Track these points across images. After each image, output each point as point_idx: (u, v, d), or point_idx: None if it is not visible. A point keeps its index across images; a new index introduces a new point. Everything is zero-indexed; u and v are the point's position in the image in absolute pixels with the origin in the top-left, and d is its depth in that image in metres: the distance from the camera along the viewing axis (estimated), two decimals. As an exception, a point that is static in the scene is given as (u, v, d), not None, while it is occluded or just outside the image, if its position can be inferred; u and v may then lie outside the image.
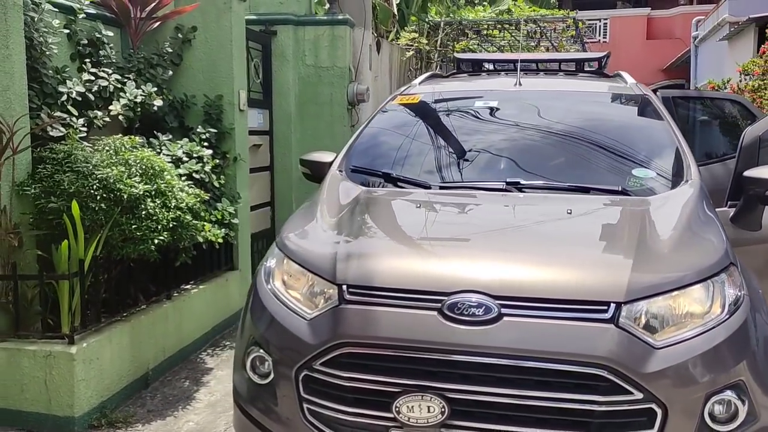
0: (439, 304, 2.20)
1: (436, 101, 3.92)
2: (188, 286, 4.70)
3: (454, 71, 4.80)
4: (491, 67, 4.72)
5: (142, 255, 3.83)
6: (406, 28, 9.78)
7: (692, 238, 2.53)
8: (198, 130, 4.95)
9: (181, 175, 4.26)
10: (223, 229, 4.61)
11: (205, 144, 4.88)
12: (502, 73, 4.47)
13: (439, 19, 9.62)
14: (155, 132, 4.62)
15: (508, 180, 3.05)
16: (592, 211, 2.83)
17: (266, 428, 2.47)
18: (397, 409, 2.16)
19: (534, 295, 2.19)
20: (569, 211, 2.73)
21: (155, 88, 4.56)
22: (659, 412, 2.07)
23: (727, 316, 2.24)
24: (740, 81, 8.26)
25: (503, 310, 2.15)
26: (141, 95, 4.44)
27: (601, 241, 2.59)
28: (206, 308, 4.85)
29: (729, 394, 2.16)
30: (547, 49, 9.70)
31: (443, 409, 2.13)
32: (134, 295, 4.10)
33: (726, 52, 11.80)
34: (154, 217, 3.79)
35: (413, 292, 2.26)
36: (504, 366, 2.12)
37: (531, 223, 2.76)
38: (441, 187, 3.13)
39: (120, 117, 4.31)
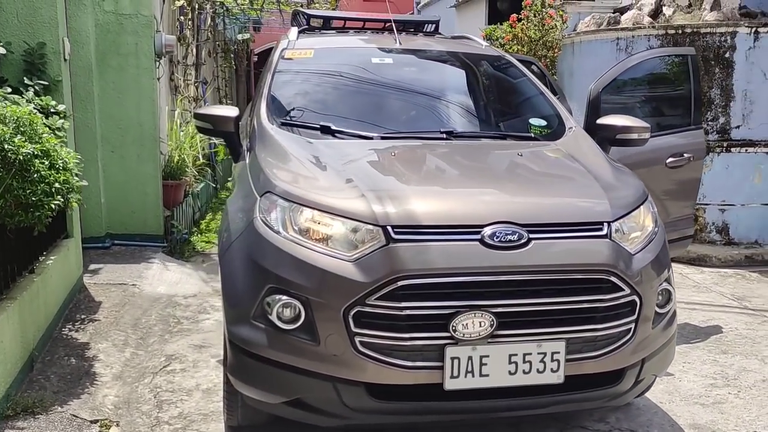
0: (479, 235, 2.57)
1: (332, 56, 4.11)
2: (43, 258, 4.21)
3: (306, 27, 4.90)
4: (341, 24, 4.94)
5: (33, 223, 3.41)
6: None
7: (618, 172, 3.23)
8: (26, 81, 4.37)
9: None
10: (71, 195, 4.22)
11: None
12: (368, 31, 4.77)
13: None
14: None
15: (443, 129, 3.45)
16: (531, 153, 3.39)
17: (304, 369, 2.58)
18: (454, 327, 2.49)
19: (552, 221, 2.68)
20: (520, 154, 3.26)
21: (-8, 33, 3.94)
22: (638, 302, 2.72)
23: (658, 228, 2.98)
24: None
25: (531, 236, 2.60)
26: (-24, 40, 3.81)
27: (566, 176, 3.15)
28: (59, 280, 4.40)
29: (666, 285, 2.92)
30: (308, 5, 10.03)
31: (492, 322, 2.51)
32: (10, 269, 3.61)
33: (455, 17, 13.43)
34: (46, 180, 3.40)
35: (455, 227, 2.59)
36: (537, 280, 2.59)
37: (507, 164, 3.23)
38: (382, 138, 3.39)
39: (-42, 65, 3.67)
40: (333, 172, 2.92)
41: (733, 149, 6.68)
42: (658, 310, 2.88)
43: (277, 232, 2.70)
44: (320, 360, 2.56)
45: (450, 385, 2.54)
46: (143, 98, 6.17)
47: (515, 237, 2.59)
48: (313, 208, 2.69)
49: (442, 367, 2.52)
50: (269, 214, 2.77)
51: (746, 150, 6.68)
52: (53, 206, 3.41)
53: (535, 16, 7.64)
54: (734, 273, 6.25)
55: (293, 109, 3.65)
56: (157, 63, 6.28)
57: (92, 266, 5.59)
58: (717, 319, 4.96)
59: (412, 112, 3.73)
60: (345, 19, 4.98)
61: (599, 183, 2.98)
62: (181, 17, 8.89)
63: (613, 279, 2.65)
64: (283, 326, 2.60)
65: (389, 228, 2.56)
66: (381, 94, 3.83)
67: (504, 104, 3.99)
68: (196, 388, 3.64)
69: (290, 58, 4.01)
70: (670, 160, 4.48)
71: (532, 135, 3.61)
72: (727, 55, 6.59)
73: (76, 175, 4.33)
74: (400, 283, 2.48)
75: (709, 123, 6.71)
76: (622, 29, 7.01)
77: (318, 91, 3.82)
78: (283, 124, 3.48)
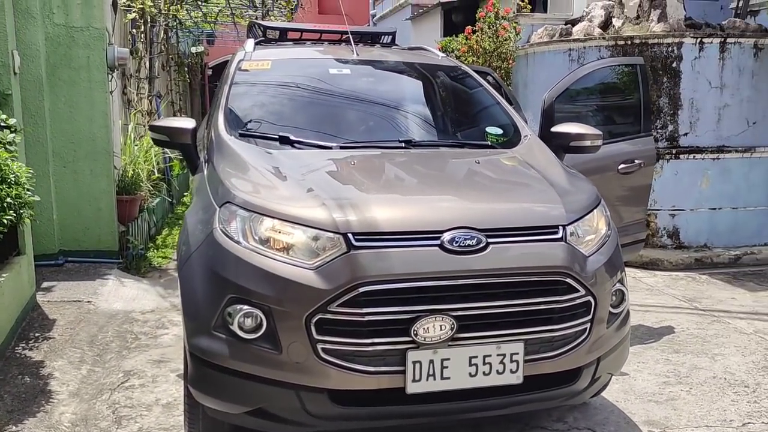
0: (438, 240, 2.60)
1: (289, 67, 4.12)
2: (-6, 275, 4.11)
3: (262, 39, 4.90)
4: (298, 36, 4.95)
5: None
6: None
7: (572, 178, 3.31)
8: (-26, 95, 4.29)
9: (-5, 147, 3.73)
10: (23, 210, 4.14)
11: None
12: (325, 42, 4.79)
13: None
14: None
15: (401, 139, 3.49)
16: (488, 161, 3.45)
17: (266, 378, 2.57)
18: (415, 332, 2.51)
19: (510, 225, 2.73)
20: (478, 161, 3.32)
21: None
22: (593, 303, 2.79)
23: (611, 231, 3.07)
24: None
25: (489, 240, 2.65)
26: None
27: (522, 182, 3.22)
28: (11, 298, 4.30)
29: (619, 286, 2.99)
30: (263, 17, 10.03)
31: (452, 326, 2.55)
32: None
33: (410, 29, 13.57)
34: (-2, 195, 3.34)
35: (415, 233, 2.62)
36: (495, 283, 2.63)
37: (465, 171, 3.28)
38: (341, 148, 3.41)
39: None
40: (293, 181, 2.93)
41: (681, 156, 6.90)
42: (612, 310, 2.95)
43: (238, 242, 2.69)
44: (283, 368, 2.55)
45: (412, 388, 2.56)
46: (96, 112, 6.07)
47: (474, 242, 2.63)
48: (274, 218, 2.69)
49: (404, 371, 2.54)
50: (229, 224, 2.76)
51: (694, 156, 6.90)
52: (5, 221, 3.34)
53: (489, 28, 7.79)
54: (685, 276, 6.43)
55: (251, 120, 3.64)
56: (110, 76, 6.20)
57: (45, 284, 5.47)
58: (669, 320, 5.10)
59: (370, 122, 3.76)
60: (301, 30, 4.99)
61: (554, 188, 3.05)
62: (134, 30, 8.80)
63: (569, 281, 2.71)
64: (244, 336, 2.59)
65: (350, 235, 2.58)
66: (339, 105, 3.85)
67: (461, 113, 4.05)
68: (155, 403, 3.59)
69: (247, 70, 4.00)
70: (622, 166, 4.61)
71: (489, 143, 3.67)
72: (674, 64, 6.82)
73: (28, 190, 4.27)
74: (361, 290, 2.49)
75: (659, 131, 6.92)
76: (574, 40, 7.19)
77: (276, 102, 3.83)
78: (241, 135, 3.46)
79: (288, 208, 2.72)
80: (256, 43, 4.57)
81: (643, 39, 6.84)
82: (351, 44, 4.41)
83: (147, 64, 8.83)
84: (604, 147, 4.58)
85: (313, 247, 2.61)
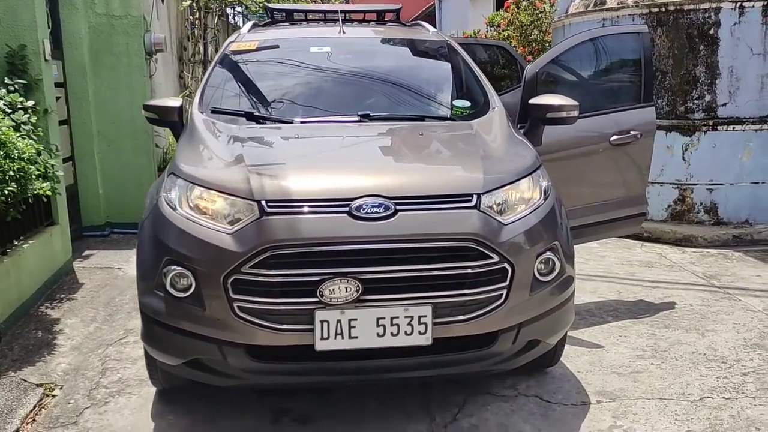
0: (347, 207, 2.76)
1: (273, 47, 4.34)
2: (19, 242, 4.60)
3: (269, 21, 5.15)
4: (303, 16, 5.17)
5: (-9, 208, 3.78)
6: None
7: (513, 147, 3.36)
8: (6, 81, 4.77)
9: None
10: (48, 183, 4.58)
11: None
12: (320, 22, 4.98)
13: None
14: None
15: (360, 113, 3.63)
16: (436, 133, 3.55)
17: (194, 333, 2.83)
18: (321, 292, 2.69)
19: (419, 193, 2.85)
20: (421, 134, 3.43)
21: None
22: (509, 269, 2.85)
23: (544, 201, 3.10)
24: (487, 31, 9.65)
25: (398, 207, 2.78)
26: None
27: (453, 152, 3.32)
28: (38, 263, 4.79)
29: (549, 255, 3.02)
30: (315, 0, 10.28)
31: (358, 288, 2.70)
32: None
33: (468, 6, 13.50)
34: (0, 168, 3.75)
35: (325, 200, 2.79)
36: (402, 248, 2.75)
37: (399, 142, 3.41)
38: (302, 122, 3.61)
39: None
40: (232, 154, 3.15)
41: (719, 127, 6.58)
42: (541, 278, 2.98)
43: (174, 209, 2.96)
44: (207, 324, 2.80)
45: (320, 346, 2.74)
46: (135, 95, 6.56)
47: (381, 209, 2.76)
48: (202, 186, 2.94)
49: (312, 330, 2.73)
50: (170, 192, 3.03)
51: (734, 128, 6.57)
52: (6, 192, 3.75)
53: (525, 0, 7.68)
54: (718, 252, 6.18)
55: (224, 98, 3.89)
56: (148, 61, 6.65)
57: (87, 252, 6.02)
58: (675, 296, 4.97)
59: (336, 97, 3.91)
60: (306, 11, 5.20)
61: (482, 157, 3.12)
62: (191, 17, 9.29)
63: (479, 248, 2.79)
64: (177, 294, 2.85)
65: (263, 202, 2.78)
66: (312, 82, 4.03)
67: (433, 88, 4.12)
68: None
69: (234, 50, 4.25)
70: (614, 138, 4.52)
71: (449, 116, 3.75)
72: (711, 31, 6.50)
73: (52, 166, 4.70)
74: (269, 253, 2.69)
75: (695, 101, 6.64)
76: (607, 9, 6.98)
77: (253, 81, 4.05)
78: (212, 111, 3.72)
79: (215, 177, 2.95)
80: (255, 25, 4.81)
81: (678, 5, 6.54)
82: (339, 23, 4.57)
83: (201, 48, 9.31)
84: (595, 118, 4.54)
85: (232, 213, 2.83)
